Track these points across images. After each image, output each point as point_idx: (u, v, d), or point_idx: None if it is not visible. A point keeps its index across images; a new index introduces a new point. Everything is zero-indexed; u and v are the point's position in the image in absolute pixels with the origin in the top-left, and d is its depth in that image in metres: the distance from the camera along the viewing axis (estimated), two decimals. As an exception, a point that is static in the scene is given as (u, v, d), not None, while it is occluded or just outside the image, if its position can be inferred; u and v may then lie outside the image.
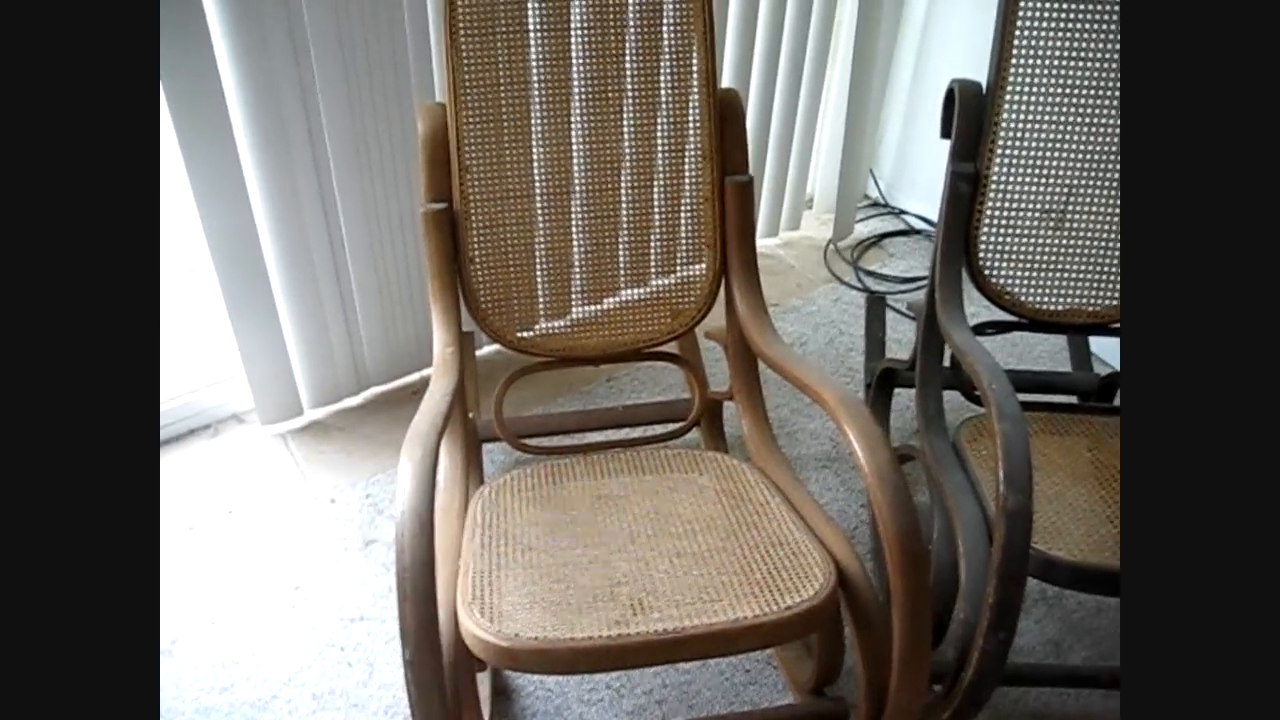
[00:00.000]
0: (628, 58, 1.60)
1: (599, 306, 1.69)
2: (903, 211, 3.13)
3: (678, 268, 1.68)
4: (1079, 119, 1.64)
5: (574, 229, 1.65)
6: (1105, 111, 1.63)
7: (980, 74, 1.68)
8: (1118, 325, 1.72)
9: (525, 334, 1.65)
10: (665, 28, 1.59)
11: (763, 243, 2.89)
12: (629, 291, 1.69)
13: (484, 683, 1.59)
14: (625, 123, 1.63)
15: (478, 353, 2.32)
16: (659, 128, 1.63)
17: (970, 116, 1.66)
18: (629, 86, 1.61)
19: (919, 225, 3.07)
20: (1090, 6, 1.60)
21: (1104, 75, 1.62)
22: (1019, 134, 1.65)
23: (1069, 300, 1.72)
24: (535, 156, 1.61)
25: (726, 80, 2.55)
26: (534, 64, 1.58)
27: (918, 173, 3.07)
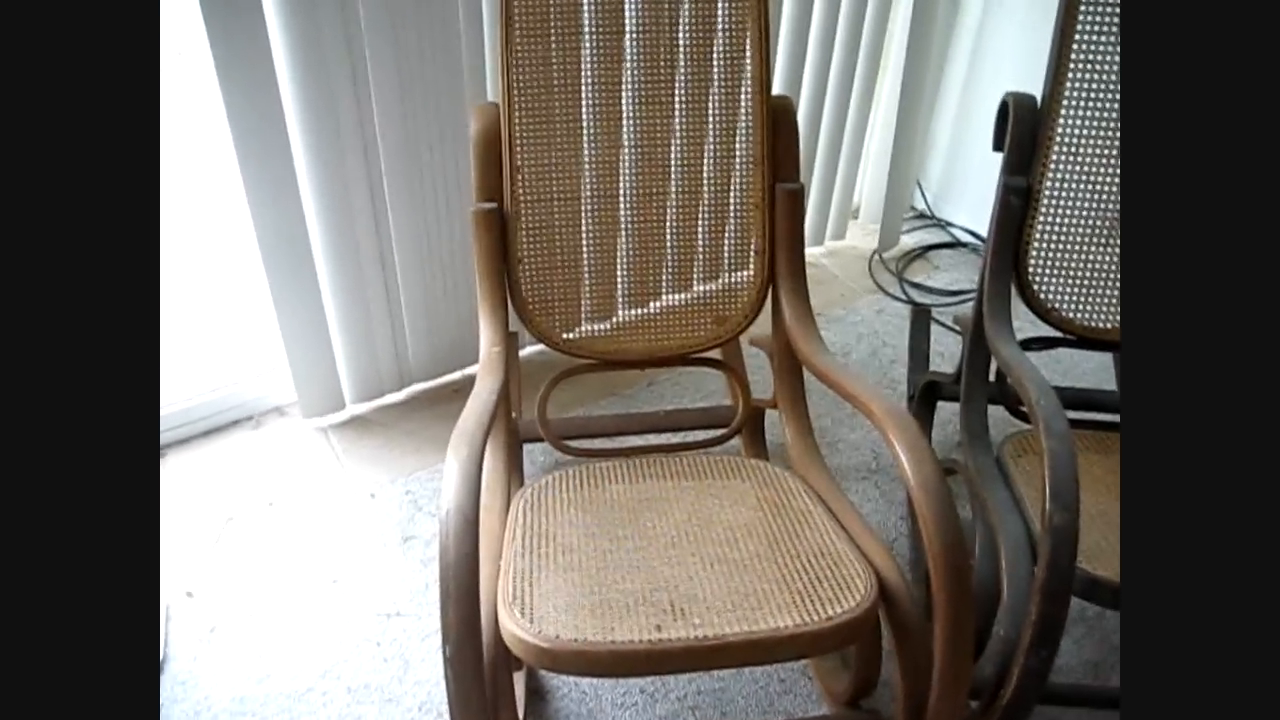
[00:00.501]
0: (681, 61, 1.60)
1: (645, 310, 1.69)
2: (949, 224, 3.11)
3: (725, 274, 1.68)
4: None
5: (622, 232, 1.65)
6: (1162, 128, 1.62)
7: (1032, 87, 1.66)
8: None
9: (570, 335, 1.65)
10: (719, 32, 1.59)
11: (808, 251, 2.86)
12: (676, 296, 1.69)
13: (519, 683, 1.59)
14: (676, 127, 1.63)
15: (520, 353, 2.33)
16: (710, 132, 1.63)
17: (1024, 130, 1.65)
18: (681, 90, 1.61)
19: (965, 238, 3.05)
20: (1150, 22, 1.58)
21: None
22: (1073, 148, 1.64)
23: (1116, 318, 1.70)
24: (586, 158, 1.61)
25: (776, 87, 2.55)
26: (587, 66, 1.58)
27: (966, 185, 3.05)
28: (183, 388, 2.22)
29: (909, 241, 3.06)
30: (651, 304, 1.69)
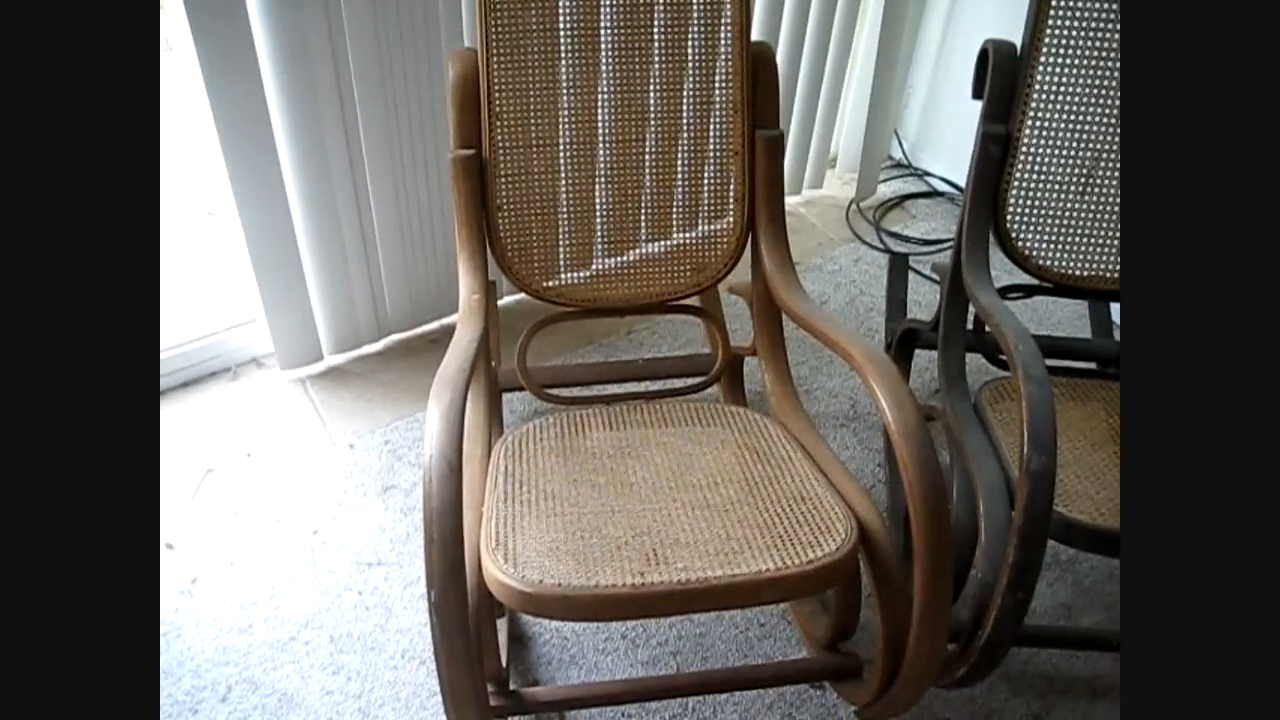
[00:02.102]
0: (660, 5, 1.58)
1: (624, 258, 1.68)
2: (926, 173, 3.11)
3: (704, 221, 1.68)
4: (1113, 83, 1.62)
5: (601, 178, 1.64)
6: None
7: (1011, 34, 1.66)
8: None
9: (550, 283, 1.65)
10: (699, -23, 1.58)
11: (785, 201, 2.88)
12: (655, 244, 1.68)
13: (501, 629, 1.60)
14: (655, 73, 1.61)
15: (499, 302, 2.32)
16: (689, 79, 1.62)
17: (1003, 78, 1.65)
18: (660, 35, 1.60)
19: (942, 187, 3.05)
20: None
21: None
22: (1053, 96, 1.64)
23: (1094, 267, 1.71)
24: (564, 104, 1.60)
25: (755, 35, 2.53)
26: (565, 10, 1.56)
27: (943, 134, 3.05)
28: (160, 340, 2.20)
29: (886, 191, 3.06)
30: (631, 251, 1.69)
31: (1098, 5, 1.59)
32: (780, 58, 2.63)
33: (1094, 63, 1.62)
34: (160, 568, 1.77)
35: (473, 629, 1.19)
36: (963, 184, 1.74)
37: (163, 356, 2.16)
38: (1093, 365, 1.97)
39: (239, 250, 2.02)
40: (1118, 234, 1.68)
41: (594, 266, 1.67)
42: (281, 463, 2.00)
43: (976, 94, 1.70)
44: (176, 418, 2.10)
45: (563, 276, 1.66)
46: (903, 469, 1.16)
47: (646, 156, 1.64)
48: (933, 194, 3.05)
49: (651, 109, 1.62)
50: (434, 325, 2.39)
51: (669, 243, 1.68)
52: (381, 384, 2.22)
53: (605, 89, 1.61)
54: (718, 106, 1.63)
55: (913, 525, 1.17)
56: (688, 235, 1.68)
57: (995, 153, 1.66)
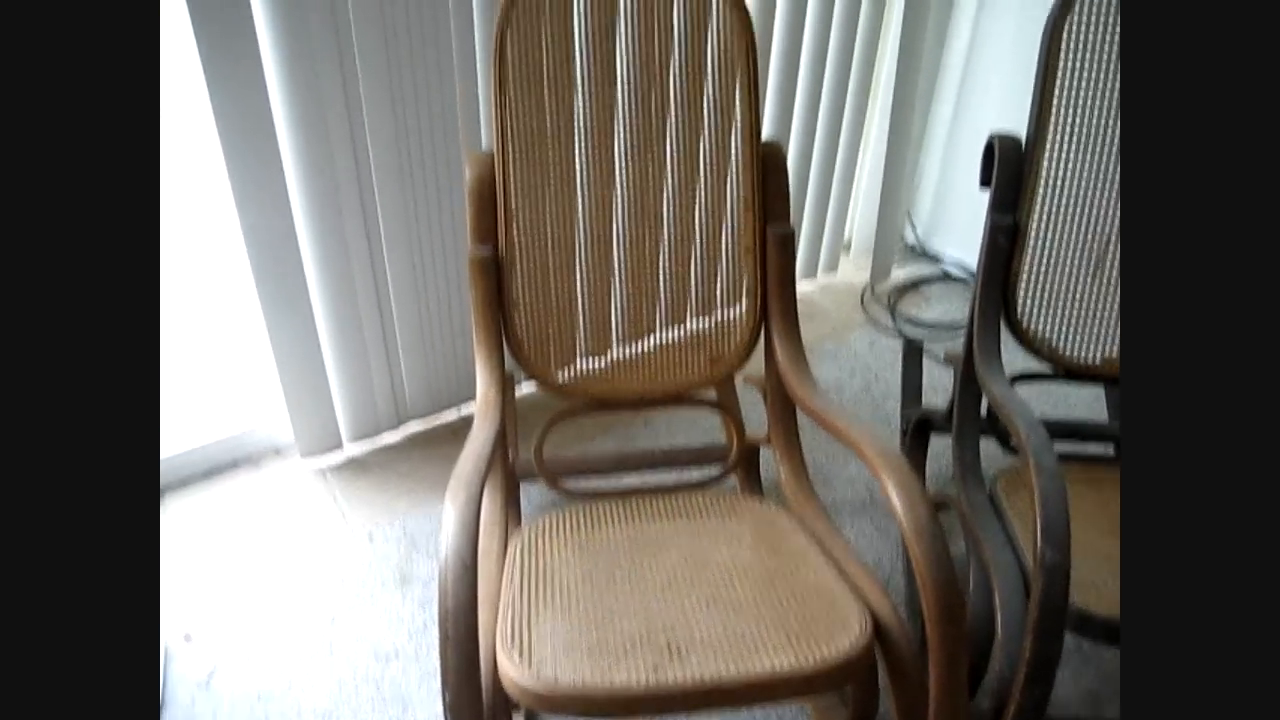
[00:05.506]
0: (672, 109, 1.62)
1: (640, 352, 1.70)
2: (940, 257, 3.14)
3: (718, 316, 1.70)
4: (1119, 170, 1.65)
5: (616, 277, 1.67)
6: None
7: (1017, 121, 1.69)
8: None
9: (567, 379, 1.67)
10: (709, 80, 1.62)
11: (799, 286, 2.89)
12: (669, 337, 1.71)
13: (518, 723, 1.60)
14: (668, 173, 1.65)
15: (516, 389, 2.34)
16: (702, 178, 1.66)
17: (1010, 169, 1.68)
18: (673, 137, 1.64)
19: (956, 271, 3.07)
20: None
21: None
22: (1059, 186, 1.66)
23: (1106, 352, 1.72)
24: (580, 204, 1.63)
25: (767, 122, 2.58)
26: (579, 115, 1.60)
27: (955, 218, 3.08)
28: (182, 431, 2.23)
29: (901, 275, 3.08)
30: (646, 347, 1.71)
31: (1100, 96, 1.62)
32: (792, 145, 2.68)
33: (1099, 150, 1.64)
34: (177, 661, 1.77)
35: (489, 728, 1.19)
36: (975, 268, 1.76)
37: (184, 448, 2.19)
38: (1108, 449, 1.97)
39: (260, 340, 2.05)
40: (1129, 321, 1.69)
41: (610, 361, 1.69)
42: (301, 553, 2.01)
43: (984, 182, 1.73)
44: (197, 508, 2.12)
45: (579, 371, 1.68)
46: (916, 568, 1.17)
47: (661, 255, 1.67)
48: (947, 278, 3.07)
49: (666, 208, 1.66)
50: (453, 415, 2.41)
51: (683, 337, 1.70)
52: (400, 474, 2.23)
53: (620, 189, 1.64)
54: (730, 205, 1.66)
55: (927, 623, 1.17)
56: (701, 330, 1.70)
57: (1003, 243, 1.68)
